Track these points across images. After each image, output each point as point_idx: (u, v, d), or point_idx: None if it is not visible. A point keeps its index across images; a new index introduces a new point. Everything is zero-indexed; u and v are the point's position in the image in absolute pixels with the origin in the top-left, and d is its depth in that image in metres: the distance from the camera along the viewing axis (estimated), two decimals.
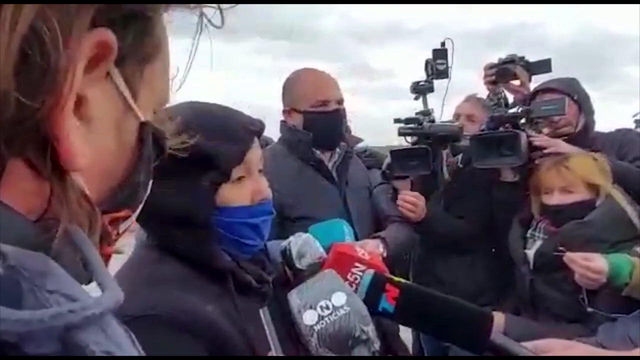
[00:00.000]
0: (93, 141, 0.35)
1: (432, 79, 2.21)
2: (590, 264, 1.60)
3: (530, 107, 2.03)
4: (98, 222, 0.37)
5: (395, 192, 2.21)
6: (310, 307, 0.89)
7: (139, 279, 0.94)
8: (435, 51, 2.22)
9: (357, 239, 1.88)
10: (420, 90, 2.20)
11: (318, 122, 1.97)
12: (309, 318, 0.88)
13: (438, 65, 2.20)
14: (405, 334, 2.15)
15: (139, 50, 0.37)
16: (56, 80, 0.31)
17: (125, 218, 0.43)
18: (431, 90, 2.22)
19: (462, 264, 2.23)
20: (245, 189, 0.99)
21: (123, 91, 0.37)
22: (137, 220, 1.06)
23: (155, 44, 0.39)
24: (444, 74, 2.21)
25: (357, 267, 1.02)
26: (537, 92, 2.23)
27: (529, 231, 1.92)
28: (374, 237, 2.01)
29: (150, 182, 0.45)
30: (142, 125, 0.41)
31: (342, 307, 0.88)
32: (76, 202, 0.35)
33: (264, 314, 1.02)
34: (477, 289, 2.14)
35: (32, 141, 0.32)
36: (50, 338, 0.30)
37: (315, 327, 0.87)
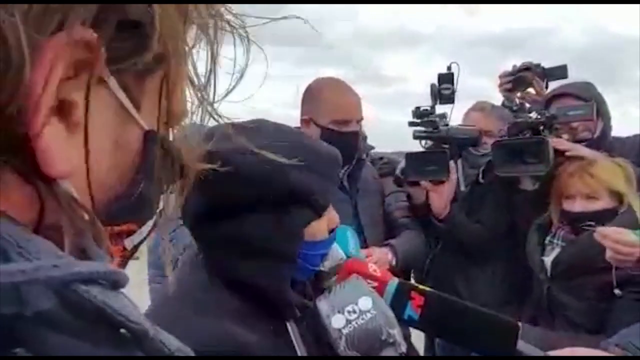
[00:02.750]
0: (81, 149, 0.35)
1: (436, 104, 2.18)
2: (623, 237, 1.59)
3: (555, 113, 2.04)
4: (101, 233, 0.37)
5: (409, 198, 2.25)
6: (338, 312, 0.94)
7: (187, 305, 0.95)
8: (440, 75, 2.19)
9: (366, 246, 1.93)
10: (422, 116, 2.18)
11: (335, 141, 1.95)
12: (337, 322, 0.94)
13: (443, 90, 2.17)
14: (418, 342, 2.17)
15: (139, 57, 0.36)
16: (22, 79, 0.30)
17: (130, 233, 0.43)
18: (432, 115, 2.18)
19: (482, 275, 2.23)
20: (324, 221, 1.03)
21: (121, 98, 0.36)
22: (199, 245, 1.07)
23: (160, 52, 0.38)
24: (449, 99, 2.18)
25: (369, 283, 1.06)
26: (552, 97, 2.24)
27: (547, 238, 1.94)
28: (384, 245, 2.04)
29: (162, 196, 0.45)
30: (147, 134, 0.40)
31: (368, 311, 0.94)
32: (70, 210, 0.34)
33: (291, 328, 1.05)
34: (498, 302, 2.11)
35: (14, 147, 0.32)
36: (46, 292, 0.30)
37: (343, 331, 0.93)
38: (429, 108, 2.17)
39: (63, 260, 0.32)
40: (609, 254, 1.62)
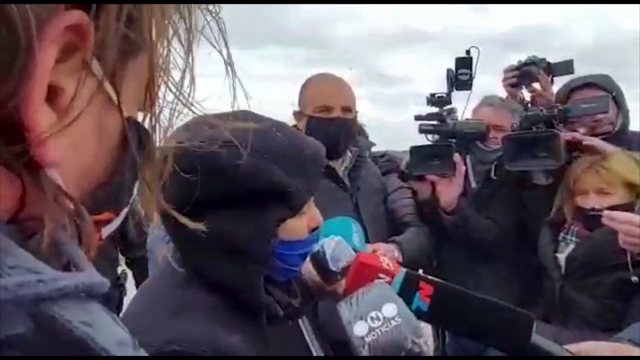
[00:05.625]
0: (69, 135, 0.34)
1: (452, 90, 2.16)
2: (634, 219, 1.55)
3: (568, 106, 2.02)
4: (88, 225, 0.37)
5: (414, 194, 2.22)
6: (361, 318, 0.90)
7: (166, 305, 0.94)
8: (458, 60, 2.16)
9: (368, 242, 1.90)
10: (437, 103, 2.16)
11: (319, 128, 1.96)
12: (359, 329, 0.90)
13: (460, 75, 2.14)
14: None
15: (121, 41, 0.36)
16: (27, 64, 0.30)
17: (108, 221, 0.43)
18: (449, 103, 2.17)
19: (492, 273, 2.19)
20: (304, 220, 1.00)
21: (103, 84, 0.36)
22: (173, 241, 1.05)
23: (141, 37, 0.38)
24: (466, 85, 2.15)
25: (381, 278, 1.04)
26: (574, 88, 2.21)
27: (561, 234, 1.92)
28: (389, 242, 2.02)
29: (137, 184, 0.45)
30: (126, 121, 0.40)
31: (393, 318, 0.90)
32: (54, 200, 0.34)
33: (303, 324, 1.04)
34: (509, 301, 2.11)
35: (3, 134, 0.31)
36: (21, 314, 0.29)
37: (366, 339, 0.89)
38: (444, 95, 2.14)
39: (45, 275, 0.30)
40: (621, 239, 1.57)
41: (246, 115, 0.97)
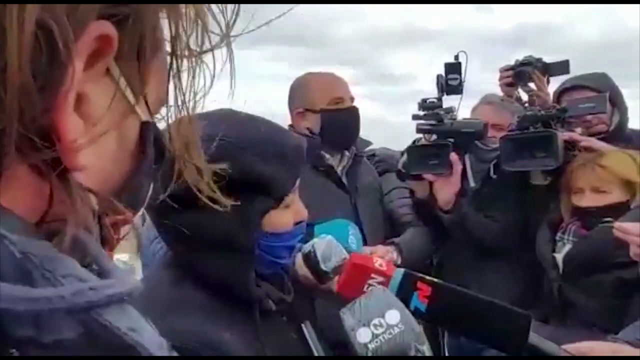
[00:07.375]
0: (93, 140, 0.35)
1: (443, 95, 2.18)
2: None
3: (566, 106, 2.03)
4: (104, 221, 0.39)
5: (412, 194, 2.22)
6: (364, 325, 0.90)
7: (157, 303, 0.94)
8: (447, 65, 2.19)
9: (366, 243, 1.91)
10: (428, 108, 2.17)
11: (336, 120, 2.03)
12: (362, 336, 0.89)
13: (450, 80, 2.17)
14: None
15: (139, 47, 0.37)
16: (64, 74, 0.31)
17: (125, 221, 0.44)
18: (439, 107, 2.17)
19: (494, 273, 2.18)
20: (289, 212, 1.02)
21: (123, 89, 0.37)
22: (163, 238, 1.06)
23: (155, 42, 0.39)
24: (456, 90, 2.18)
25: (374, 278, 1.04)
26: (564, 90, 2.23)
27: (558, 234, 1.92)
28: (388, 243, 2.02)
29: (151, 184, 0.46)
30: (144, 125, 0.41)
31: (396, 325, 0.89)
32: (80, 202, 0.35)
33: (306, 328, 1.06)
34: (511, 301, 2.10)
35: (33, 139, 0.32)
36: (70, 320, 0.31)
37: (369, 346, 0.88)
38: (435, 100, 2.16)
39: (94, 283, 0.32)
40: (632, 251, 1.55)
41: (224, 112, 1.00)
